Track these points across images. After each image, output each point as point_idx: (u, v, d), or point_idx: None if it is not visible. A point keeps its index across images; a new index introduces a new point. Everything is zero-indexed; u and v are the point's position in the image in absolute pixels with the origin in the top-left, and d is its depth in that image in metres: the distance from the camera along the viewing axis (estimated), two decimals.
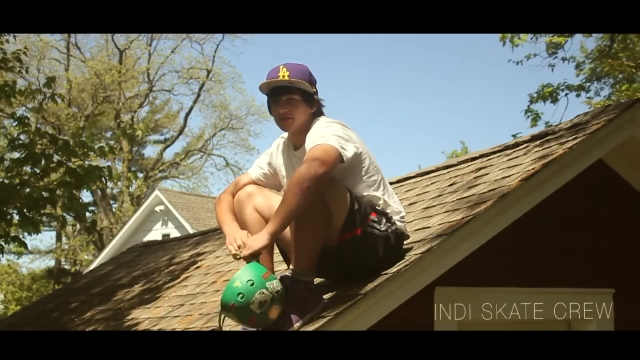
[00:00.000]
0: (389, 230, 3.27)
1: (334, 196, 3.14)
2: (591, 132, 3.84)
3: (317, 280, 3.39)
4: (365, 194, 3.30)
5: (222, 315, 3.11)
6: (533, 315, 4.00)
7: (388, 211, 3.34)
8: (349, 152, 3.18)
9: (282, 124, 3.37)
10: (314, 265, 3.19)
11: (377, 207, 3.31)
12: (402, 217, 3.41)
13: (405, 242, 3.44)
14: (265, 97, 3.43)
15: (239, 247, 3.11)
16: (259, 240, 3.05)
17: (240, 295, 2.97)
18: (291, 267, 3.22)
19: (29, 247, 17.10)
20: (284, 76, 3.31)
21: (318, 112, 3.41)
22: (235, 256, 3.12)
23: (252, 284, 2.98)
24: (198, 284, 5.46)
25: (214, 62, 28.39)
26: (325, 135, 3.18)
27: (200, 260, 6.43)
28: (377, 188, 3.34)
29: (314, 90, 3.39)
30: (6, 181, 7.46)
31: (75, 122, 23.83)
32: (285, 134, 3.51)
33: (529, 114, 13.10)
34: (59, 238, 27.62)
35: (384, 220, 3.27)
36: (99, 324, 5.78)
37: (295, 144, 3.42)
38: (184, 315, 4.64)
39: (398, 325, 3.29)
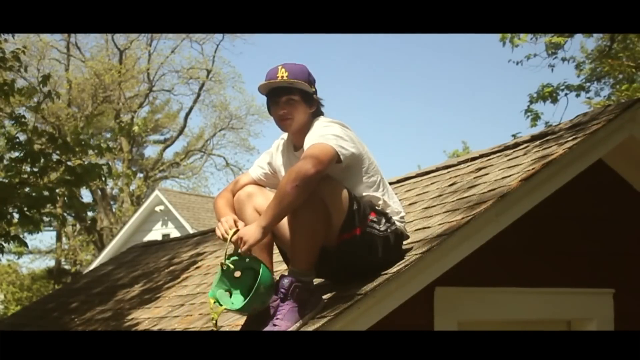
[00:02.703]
0: (389, 230, 3.27)
1: (333, 196, 3.14)
2: (591, 132, 3.84)
3: (316, 280, 3.39)
4: (364, 194, 3.29)
5: (218, 315, 3.13)
6: (533, 315, 4.00)
7: (388, 211, 3.34)
8: (347, 152, 3.18)
9: (282, 125, 3.37)
10: (313, 266, 3.19)
11: (376, 208, 3.31)
12: (402, 218, 3.40)
13: (405, 242, 3.44)
14: (264, 98, 3.43)
15: (228, 230, 3.13)
16: (254, 234, 3.05)
17: (263, 301, 3.10)
18: (290, 267, 3.22)
19: (29, 247, 17.14)
20: (282, 77, 3.30)
21: (317, 112, 3.41)
22: (223, 238, 3.15)
23: (270, 291, 3.11)
24: (198, 284, 5.46)
25: (214, 62, 28.44)
26: (324, 135, 3.18)
27: (200, 260, 6.43)
28: (377, 188, 3.34)
29: (313, 90, 3.39)
30: (5, 181, 7.46)
31: (74, 122, 23.84)
32: (285, 135, 3.51)
33: (529, 114, 13.10)
34: (59, 238, 27.62)
35: (383, 221, 3.27)
36: (99, 324, 5.78)
37: (295, 144, 3.42)
38: (184, 315, 4.64)
39: (398, 325, 3.29)
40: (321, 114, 3.43)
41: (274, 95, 3.35)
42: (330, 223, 3.16)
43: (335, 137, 3.18)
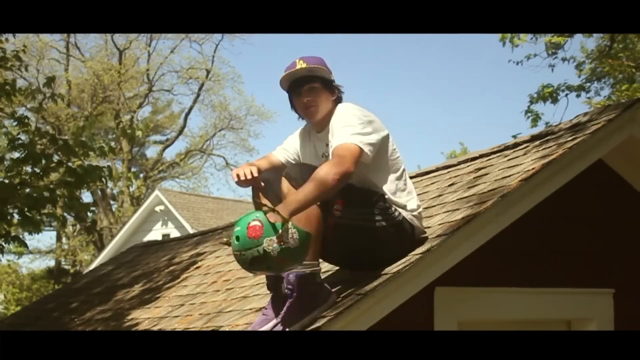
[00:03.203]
0: (380, 222, 3.27)
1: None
2: (591, 132, 3.84)
3: (323, 276, 3.39)
4: (382, 186, 3.32)
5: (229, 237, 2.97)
6: (533, 315, 4.00)
7: (397, 201, 3.34)
8: (371, 150, 3.21)
9: (307, 113, 3.41)
10: (317, 257, 3.19)
11: (381, 200, 3.31)
12: (412, 211, 3.40)
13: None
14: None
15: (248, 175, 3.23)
16: (282, 211, 2.90)
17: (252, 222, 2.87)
18: None
19: (29, 247, 17.13)
20: (301, 66, 3.35)
21: (338, 100, 3.47)
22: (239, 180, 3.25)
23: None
24: (198, 284, 5.46)
25: (213, 62, 28.45)
26: (351, 128, 3.19)
27: (200, 260, 6.43)
28: (398, 179, 3.38)
29: (332, 78, 3.45)
30: (6, 181, 7.46)
31: (74, 122, 23.84)
32: (298, 132, 3.57)
33: (529, 114, 13.09)
34: (59, 238, 27.64)
35: (376, 211, 3.28)
36: (99, 324, 5.78)
37: (318, 131, 3.47)
38: (184, 315, 4.64)
39: (398, 325, 3.29)
40: (341, 101, 3.48)
41: (295, 85, 3.40)
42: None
43: (361, 136, 3.19)
